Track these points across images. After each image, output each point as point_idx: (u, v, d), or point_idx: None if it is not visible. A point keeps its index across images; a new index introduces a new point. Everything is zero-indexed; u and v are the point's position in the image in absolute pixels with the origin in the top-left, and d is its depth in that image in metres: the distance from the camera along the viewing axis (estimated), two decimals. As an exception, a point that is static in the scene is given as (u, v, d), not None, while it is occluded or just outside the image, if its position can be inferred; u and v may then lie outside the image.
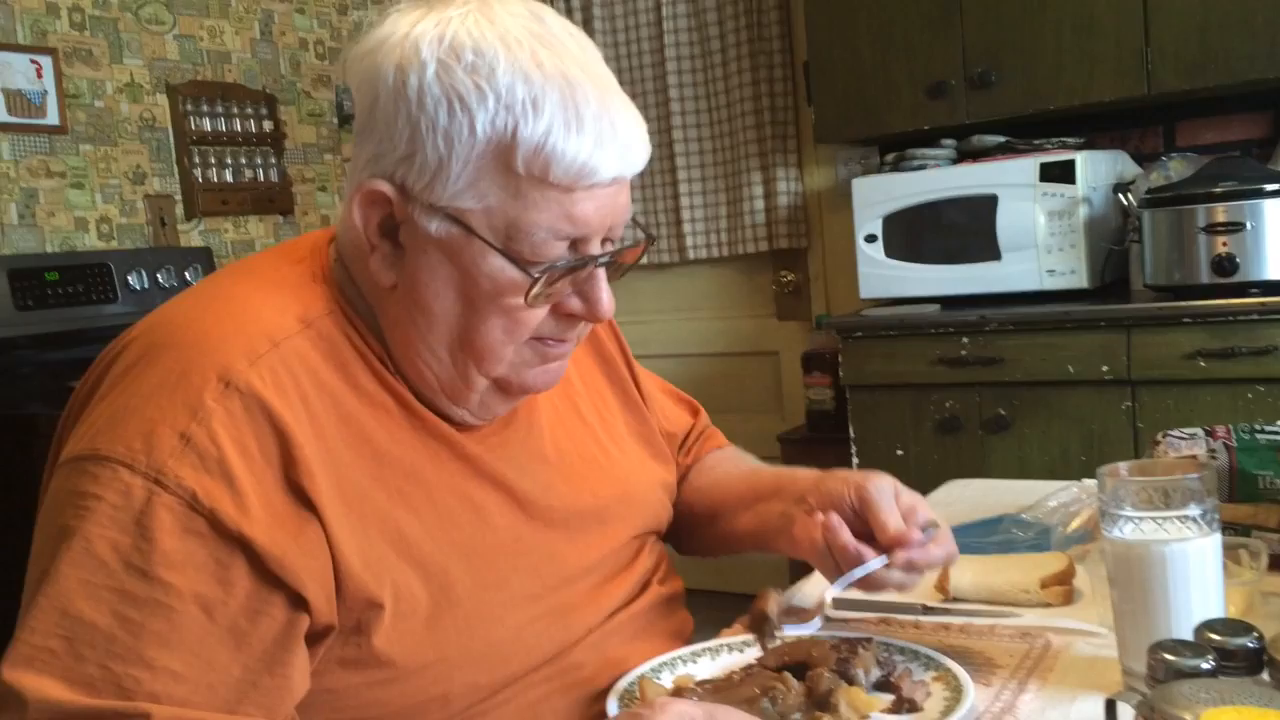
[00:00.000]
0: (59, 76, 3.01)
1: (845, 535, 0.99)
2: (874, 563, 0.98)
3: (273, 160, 3.52)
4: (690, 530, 1.20)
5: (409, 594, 0.85)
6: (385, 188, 0.84)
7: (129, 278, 3.04)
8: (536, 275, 0.84)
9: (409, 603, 0.85)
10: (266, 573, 0.76)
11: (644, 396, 1.17)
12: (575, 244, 0.85)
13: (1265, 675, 0.66)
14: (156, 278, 3.09)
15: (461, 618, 0.88)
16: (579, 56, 0.85)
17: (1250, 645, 0.67)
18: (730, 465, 1.24)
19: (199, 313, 0.85)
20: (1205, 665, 0.66)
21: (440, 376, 0.90)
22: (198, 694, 0.72)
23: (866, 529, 0.99)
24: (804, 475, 1.09)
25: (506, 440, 0.97)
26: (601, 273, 0.89)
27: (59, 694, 0.70)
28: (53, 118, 3.00)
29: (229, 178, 3.40)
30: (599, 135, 0.82)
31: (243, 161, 3.44)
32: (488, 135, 0.81)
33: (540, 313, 0.88)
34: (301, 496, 0.79)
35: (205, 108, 3.35)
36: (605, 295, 0.89)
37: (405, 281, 0.87)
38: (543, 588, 0.95)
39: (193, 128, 3.31)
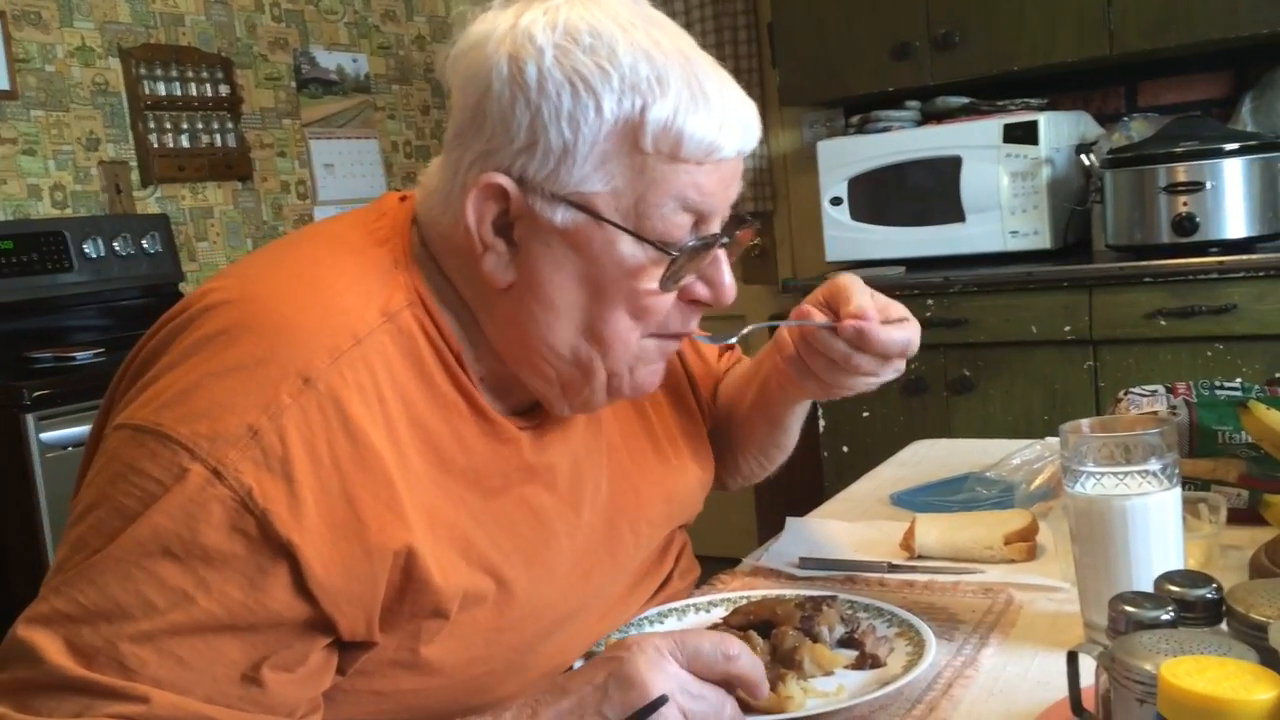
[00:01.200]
0: (8, 40, 2.93)
1: (801, 307, 0.99)
2: (817, 319, 0.97)
3: (230, 125, 3.46)
4: (722, 454, 1.19)
5: (477, 603, 0.84)
6: (504, 180, 0.81)
7: (84, 246, 2.98)
8: (674, 254, 0.82)
9: (473, 611, 0.84)
10: (302, 586, 0.74)
11: (690, 373, 1.15)
12: (697, 225, 0.84)
13: (1224, 626, 0.67)
14: (113, 246, 3.04)
15: (519, 628, 0.88)
16: (685, 36, 0.85)
17: (1209, 596, 0.68)
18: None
19: (285, 295, 0.81)
20: (1165, 616, 0.66)
21: (561, 371, 0.87)
22: (201, 683, 0.72)
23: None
24: None
25: (568, 435, 0.95)
26: (723, 254, 0.88)
27: (63, 660, 0.69)
28: (2, 82, 2.92)
29: (185, 143, 3.33)
30: (724, 110, 0.83)
31: (199, 127, 3.37)
32: (615, 115, 0.79)
33: (667, 300, 0.86)
34: (372, 505, 0.77)
35: (159, 72, 3.28)
36: (729, 277, 0.89)
37: (523, 279, 0.84)
38: (589, 595, 0.96)
39: (147, 92, 3.25)
